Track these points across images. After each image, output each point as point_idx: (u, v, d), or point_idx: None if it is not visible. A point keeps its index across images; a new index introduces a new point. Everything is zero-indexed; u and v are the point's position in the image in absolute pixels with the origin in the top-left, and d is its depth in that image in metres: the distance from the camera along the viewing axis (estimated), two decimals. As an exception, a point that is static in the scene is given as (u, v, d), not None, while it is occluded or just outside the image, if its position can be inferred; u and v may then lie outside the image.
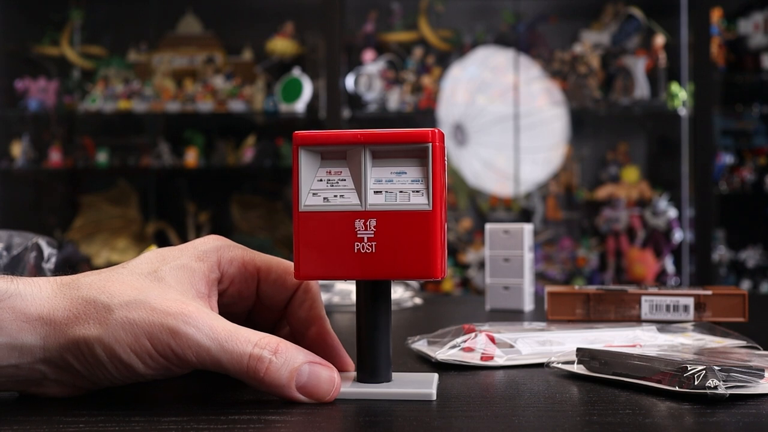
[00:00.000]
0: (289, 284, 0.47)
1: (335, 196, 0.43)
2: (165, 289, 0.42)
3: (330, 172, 0.44)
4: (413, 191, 0.43)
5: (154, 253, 0.45)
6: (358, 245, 0.43)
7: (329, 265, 0.43)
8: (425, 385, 0.44)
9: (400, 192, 0.43)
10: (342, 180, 0.44)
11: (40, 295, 0.41)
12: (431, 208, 0.42)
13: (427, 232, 0.42)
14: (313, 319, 0.47)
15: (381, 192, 0.43)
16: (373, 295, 0.44)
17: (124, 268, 0.43)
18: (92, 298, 0.41)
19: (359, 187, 0.43)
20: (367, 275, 0.43)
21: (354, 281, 0.45)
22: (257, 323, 0.49)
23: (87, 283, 0.42)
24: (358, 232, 0.43)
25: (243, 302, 0.48)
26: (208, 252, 0.45)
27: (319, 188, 0.44)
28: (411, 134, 0.43)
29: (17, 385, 0.42)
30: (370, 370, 0.44)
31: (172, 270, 0.43)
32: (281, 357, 0.41)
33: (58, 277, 0.43)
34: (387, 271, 0.42)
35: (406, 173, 0.43)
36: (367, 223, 0.43)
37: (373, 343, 0.44)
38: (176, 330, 0.40)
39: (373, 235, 0.43)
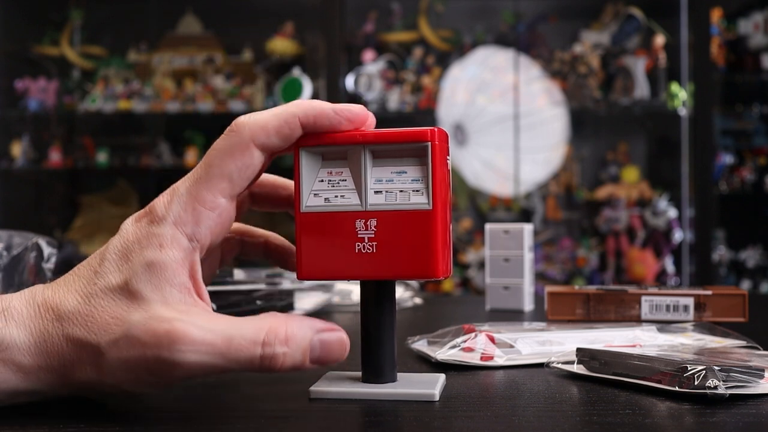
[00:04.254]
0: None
1: (336, 196, 0.43)
2: (145, 308, 0.39)
3: (331, 173, 0.44)
4: (413, 191, 0.43)
5: (118, 250, 0.41)
6: (359, 245, 0.42)
7: (331, 265, 0.43)
8: (428, 386, 0.44)
9: (400, 192, 0.43)
10: (343, 180, 0.44)
11: (32, 343, 0.39)
12: (431, 208, 0.42)
13: (427, 231, 0.42)
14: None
15: (381, 192, 0.43)
16: (378, 295, 0.44)
17: (96, 285, 0.40)
18: (79, 338, 0.39)
19: (360, 187, 0.43)
20: (368, 275, 0.43)
21: (357, 281, 0.44)
22: None
23: (68, 313, 0.40)
24: (359, 232, 0.43)
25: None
26: (174, 237, 0.41)
27: (320, 189, 0.44)
28: (410, 133, 0.43)
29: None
30: (374, 370, 0.44)
31: (140, 276, 0.40)
32: (293, 344, 0.39)
33: (42, 300, 0.40)
34: (388, 271, 0.42)
35: (406, 173, 0.43)
36: (368, 223, 0.43)
37: (378, 344, 0.44)
38: (171, 361, 0.38)
39: (373, 235, 0.42)
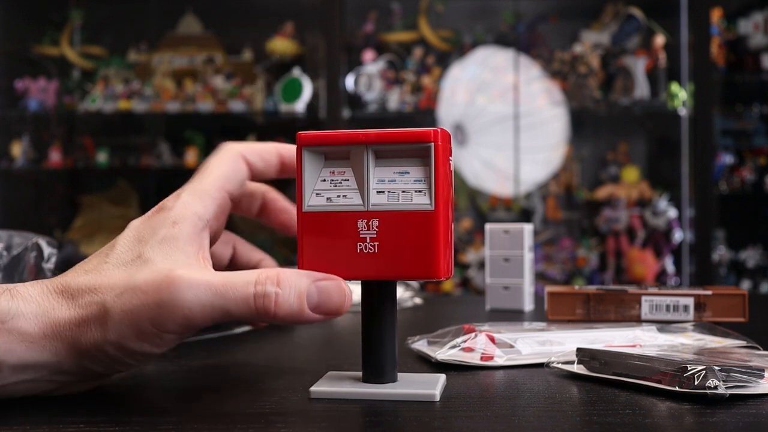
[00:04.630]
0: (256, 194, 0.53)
1: (338, 196, 0.43)
2: (151, 267, 0.41)
3: (333, 173, 0.44)
4: (416, 191, 0.43)
5: (130, 237, 0.43)
6: (360, 245, 0.42)
7: (333, 265, 0.43)
8: (429, 386, 0.44)
9: (403, 192, 0.43)
10: (345, 180, 0.44)
11: (40, 311, 0.41)
12: (433, 208, 0.42)
13: (429, 232, 0.42)
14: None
15: (383, 192, 0.43)
16: (379, 295, 0.44)
17: (107, 263, 0.42)
18: (87, 301, 0.41)
19: (362, 187, 0.43)
20: (370, 275, 0.43)
21: (358, 281, 0.44)
22: None
23: (78, 286, 0.41)
24: (361, 232, 0.43)
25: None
26: (187, 218, 0.44)
27: (322, 188, 0.44)
28: (413, 134, 0.43)
29: (38, 392, 0.43)
30: (375, 370, 0.44)
31: (154, 248, 0.42)
32: (285, 286, 0.41)
33: (50, 283, 0.42)
34: (389, 271, 0.42)
35: (408, 173, 0.43)
36: (370, 223, 0.43)
37: (379, 344, 0.44)
38: (171, 302, 0.39)
39: (375, 235, 0.42)
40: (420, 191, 0.43)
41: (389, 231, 0.42)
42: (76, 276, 0.42)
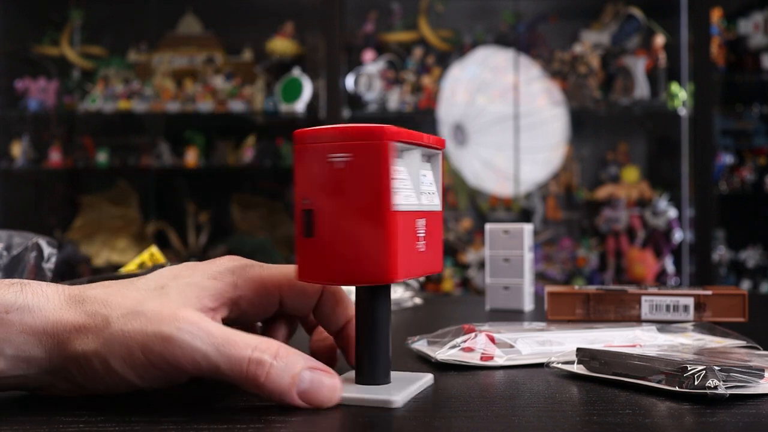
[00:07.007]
0: (310, 292, 0.47)
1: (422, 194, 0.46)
2: (165, 300, 0.41)
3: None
4: (429, 192, 0.46)
5: (168, 269, 0.44)
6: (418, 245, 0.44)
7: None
8: (395, 391, 0.43)
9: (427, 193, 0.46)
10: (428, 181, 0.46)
11: (47, 307, 0.41)
12: (441, 209, 0.46)
13: (439, 230, 0.46)
14: (343, 319, 0.48)
15: (424, 193, 0.45)
16: (373, 296, 0.44)
17: (132, 283, 0.43)
18: (94, 311, 0.41)
19: (416, 187, 0.45)
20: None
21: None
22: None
23: (92, 296, 0.42)
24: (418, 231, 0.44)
25: (265, 316, 0.48)
26: (223, 273, 0.44)
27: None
28: (435, 140, 0.45)
29: (27, 390, 0.43)
30: (368, 372, 0.44)
31: (180, 286, 0.43)
32: (282, 361, 0.40)
33: (67, 288, 0.43)
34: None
35: (426, 176, 0.46)
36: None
37: (372, 345, 0.44)
38: (169, 337, 0.39)
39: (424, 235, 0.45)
40: (433, 193, 0.46)
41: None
42: (94, 288, 0.43)
